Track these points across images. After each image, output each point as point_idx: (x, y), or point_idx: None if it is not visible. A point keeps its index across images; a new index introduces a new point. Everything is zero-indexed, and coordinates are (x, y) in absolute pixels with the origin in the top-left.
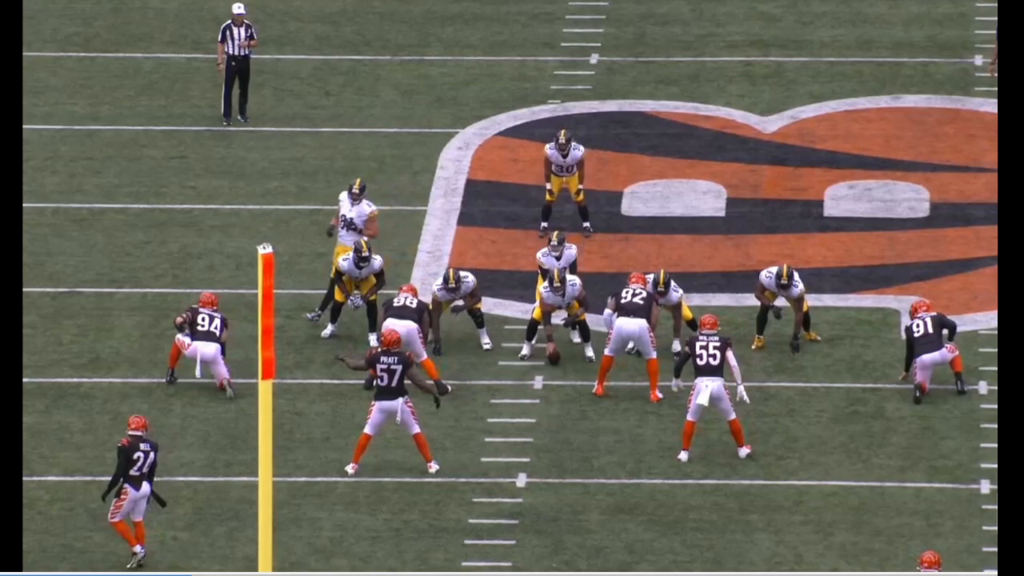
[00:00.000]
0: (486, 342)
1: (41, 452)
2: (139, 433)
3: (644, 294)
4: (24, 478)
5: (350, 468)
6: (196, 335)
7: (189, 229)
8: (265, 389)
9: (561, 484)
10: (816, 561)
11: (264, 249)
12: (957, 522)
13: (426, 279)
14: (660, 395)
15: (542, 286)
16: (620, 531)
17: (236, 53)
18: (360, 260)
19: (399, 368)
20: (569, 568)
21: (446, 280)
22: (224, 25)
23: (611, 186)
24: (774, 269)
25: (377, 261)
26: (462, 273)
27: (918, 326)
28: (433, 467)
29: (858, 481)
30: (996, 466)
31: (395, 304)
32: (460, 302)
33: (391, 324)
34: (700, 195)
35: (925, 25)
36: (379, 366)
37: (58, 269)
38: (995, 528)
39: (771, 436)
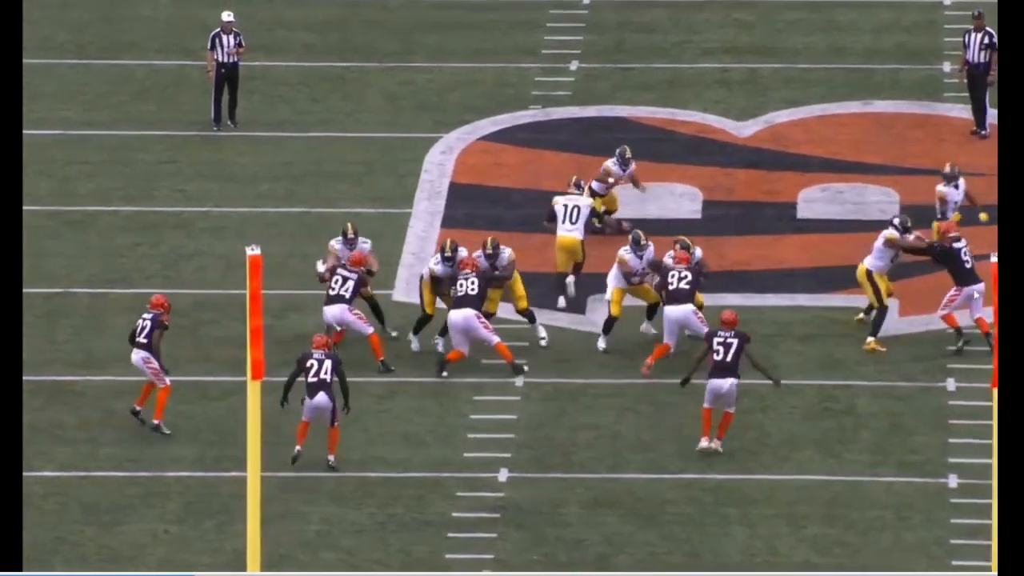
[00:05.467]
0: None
1: (36, 448)
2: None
3: (689, 276)
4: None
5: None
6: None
7: (180, 231)
8: (254, 388)
9: (542, 479)
10: (789, 553)
11: (252, 251)
12: (926, 515)
13: (410, 279)
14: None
15: (623, 249)
16: (599, 524)
17: (225, 60)
18: (346, 241)
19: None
20: (549, 560)
21: (443, 252)
22: (213, 33)
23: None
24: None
25: (367, 244)
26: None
27: (965, 254)
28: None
29: (830, 475)
30: (964, 461)
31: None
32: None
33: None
34: (677, 198)
35: (895, 32)
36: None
37: (53, 270)
38: (963, 521)
39: (745, 432)
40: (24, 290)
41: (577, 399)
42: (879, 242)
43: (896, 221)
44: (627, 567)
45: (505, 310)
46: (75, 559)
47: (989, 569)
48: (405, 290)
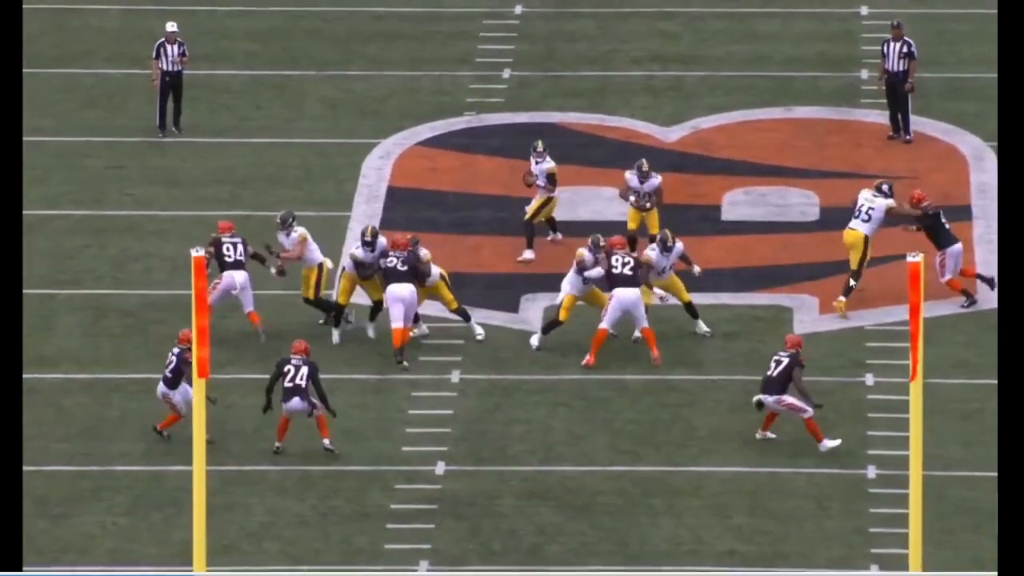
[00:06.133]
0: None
1: None
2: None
3: (632, 263)
4: None
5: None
6: (224, 265)
7: (127, 234)
8: (199, 386)
9: (477, 471)
10: (714, 542)
11: (197, 252)
12: (845, 505)
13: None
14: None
15: (649, 248)
16: (532, 515)
17: (170, 69)
18: (365, 244)
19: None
20: (483, 550)
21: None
22: (158, 42)
23: (524, 193)
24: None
25: (297, 232)
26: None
27: (943, 217)
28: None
29: (753, 467)
30: (882, 452)
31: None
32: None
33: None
34: (606, 201)
35: (815, 41)
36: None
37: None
38: (881, 510)
39: (673, 426)
40: None
41: (511, 395)
42: (878, 212)
43: (884, 187)
44: (559, 556)
45: (430, 308)
46: (28, 550)
47: (906, 557)
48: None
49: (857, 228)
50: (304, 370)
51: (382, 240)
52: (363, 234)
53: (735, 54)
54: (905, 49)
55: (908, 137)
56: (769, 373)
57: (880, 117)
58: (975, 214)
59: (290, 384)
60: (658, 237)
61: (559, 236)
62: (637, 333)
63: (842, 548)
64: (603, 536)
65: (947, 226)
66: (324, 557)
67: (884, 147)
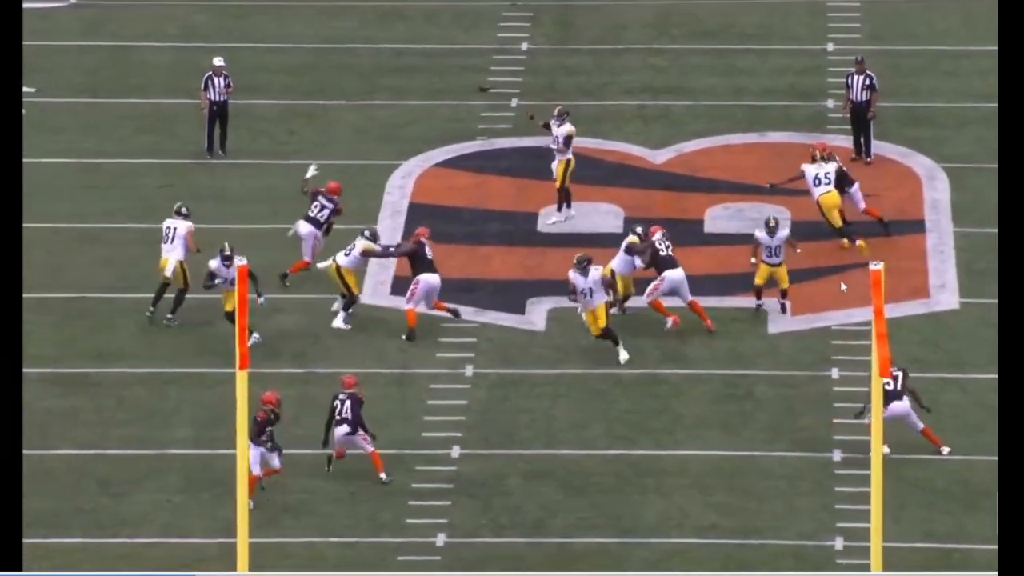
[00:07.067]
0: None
1: (57, 430)
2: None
3: (670, 244)
4: (43, 452)
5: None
6: (309, 220)
7: None
8: (241, 377)
9: (488, 455)
10: (698, 517)
11: (240, 261)
12: (814, 485)
13: (376, 287)
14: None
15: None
16: (536, 493)
17: (217, 99)
18: (224, 259)
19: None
20: (493, 524)
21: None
22: (206, 75)
23: (529, 208)
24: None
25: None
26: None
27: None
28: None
29: (732, 451)
30: (846, 438)
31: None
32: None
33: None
34: (602, 215)
35: (787, 75)
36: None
37: (71, 278)
38: (846, 489)
39: (662, 414)
40: (46, 295)
41: (518, 387)
42: (832, 174)
43: (820, 155)
44: (560, 530)
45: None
46: (91, 525)
47: (868, 530)
48: (371, 295)
49: (830, 190)
50: (348, 403)
51: (238, 259)
52: (222, 250)
53: (716, 86)
54: (868, 81)
55: (869, 159)
56: (889, 388)
57: (845, 141)
58: (928, 227)
59: (339, 417)
60: (575, 258)
61: (572, 212)
62: (668, 325)
63: (811, 523)
64: (599, 512)
65: (846, 170)
66: (353, 530)
67: (848, 167)
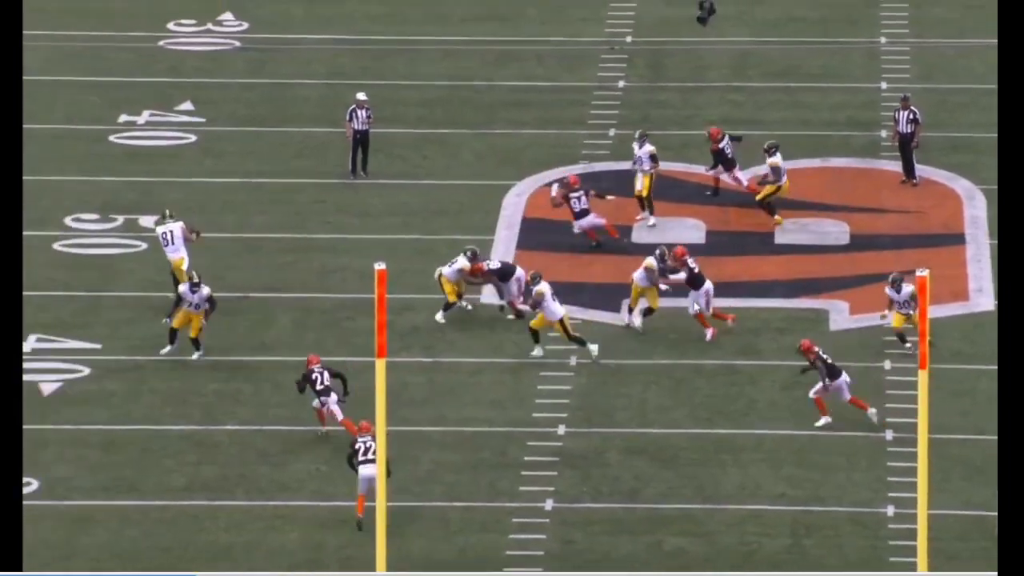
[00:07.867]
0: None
1: (224, 408)
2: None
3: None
4: (211, 427)
5: None
6: (575, 214)
7: (327, 252)
8: (380, 365)
9: (589, 432)
10: (769, 487)
11: (379, 266)
12: (870, 460)
13: (493, 289)
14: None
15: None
16: (631, 466)
17: (360, 128)
18: (192, 286)
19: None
20: (594, 492)
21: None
22: (351, 108)
23: (625, 221)
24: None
25: (206, 290)
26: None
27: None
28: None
29: (800, 431)
30: (897, 420)
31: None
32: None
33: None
34: (687, 228)
35: (846, 109)
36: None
37: (235, 280)
38: (896, 464)
39: (738, 399)
40: (216, 294)
41: (615, 375)
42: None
43: (770, 146)
44: (651, 497)
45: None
46: (251, 490)
47: (915, 500)
48: (490, 296)
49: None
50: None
51: (204, 288)
52: (191, 278)
53: (786, 117)
54: (912, 116)
55: (915, 181)
56: None
57: (895, 166)
58: (968, 240)
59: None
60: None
61: (651, 220)
62: (708, 338)
63: (867, 492)
64: (685, 482)
65: (731, 153)
66: (475, 496)
67: (898, 189)
